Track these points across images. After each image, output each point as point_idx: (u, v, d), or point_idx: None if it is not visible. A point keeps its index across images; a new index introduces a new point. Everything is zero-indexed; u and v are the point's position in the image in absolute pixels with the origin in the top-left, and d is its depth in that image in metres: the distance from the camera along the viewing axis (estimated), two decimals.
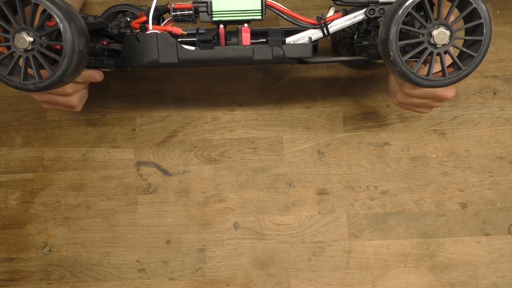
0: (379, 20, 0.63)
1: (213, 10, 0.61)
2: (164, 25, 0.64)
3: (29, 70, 0.55)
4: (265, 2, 0.61)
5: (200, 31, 0.65)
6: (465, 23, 0.55)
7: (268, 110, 0.81)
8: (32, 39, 0.53)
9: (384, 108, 0.81)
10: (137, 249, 0.77)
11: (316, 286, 0.75)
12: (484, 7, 0.52)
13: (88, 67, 0.65)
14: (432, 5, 0.55)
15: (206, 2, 0.61)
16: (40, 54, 0.54)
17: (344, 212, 0.77)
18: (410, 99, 0.66)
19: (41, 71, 0.55)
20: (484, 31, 0.53)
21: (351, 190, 0.78)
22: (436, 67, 0.56)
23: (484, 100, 0.81)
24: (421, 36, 0.54)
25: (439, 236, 0.76)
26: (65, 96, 0.66)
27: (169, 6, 0.62)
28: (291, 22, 0.64)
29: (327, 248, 0.76)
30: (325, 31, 0.64)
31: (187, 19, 0.62)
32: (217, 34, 0.63)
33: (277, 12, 0.63)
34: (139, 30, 0.62)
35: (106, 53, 0.66)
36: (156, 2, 0.61)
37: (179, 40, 0.63)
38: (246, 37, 0.63)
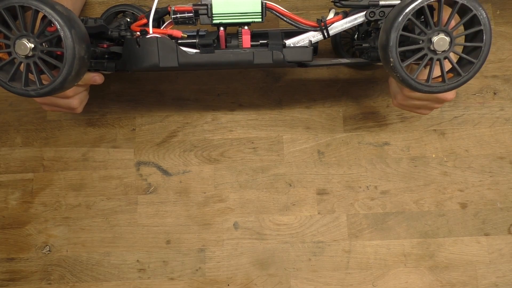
0: (379, 22, 0.63)
1: (213, 12, 0.61)
2: (164, 28, 0.64)
3: (30, 76, 0.55)
4: (265, 5, 0.61)
5: (200, 33, 0.65)
6: (465, 29, 0.55)
7: (268, 110, 0.81)
8: (33, 46, 0.53)
9: (384, 108, 0.81)
10: (137, 249, 0.77)
11: (316, 286, 0.75)
12: (484, 13, 0.52)
13: (88, 70, 0.65)
14: (432, 11, 0.55)
15: (206, 5, 0.61)
16: (41, 60, 0.54)
17: (344, 212, 0.77)
18: (410, 101, 0.66)
19: (42, 76, 0.55)
20: (484, 38, 0.53)
21: (351, 190, 0.78)
22: (436, 71, 0.56)
23: (484, 100, 0.81)
24: (421, 42, 0.54)
25: (439, 236, 0.76)
26: (65, 99, 0.66)
27: (169, 8, 0.62)
28: (291, 24, 0.64)
29: (327, 248, 0.76)
30: (325, 34, 0.64)
31: (187, 21, 0.62)
32: (217, 37, 0.63)
33: (277, 14, 0.63)
34: (139, 34, 0.62)
35: (106, 56, 0.66)
36: (156, 4, 0.61)
37: (179, 42, 0.63)
38: (246, 40, 0.63)
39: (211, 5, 0.61)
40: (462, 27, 0.55)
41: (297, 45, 0.64)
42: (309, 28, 0.64)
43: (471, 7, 0.52)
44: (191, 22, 0.62)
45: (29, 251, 0.77)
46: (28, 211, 0.78)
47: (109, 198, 0.78)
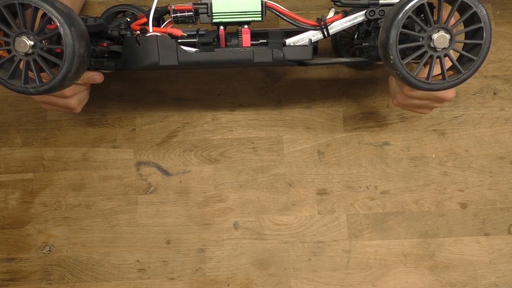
0: (379, 21, 0.63)
1: (213, 11, 0.61)
2: (164, 26, 0.64)
3: (30, 73, 0.55)
4: (265, 4, 0.61)
5: (200, 32, 0.65)
6: (465, 26, 0.55)
7: (268, 110, 0.81)
8: (32, 43, 0.53)
9: (384, 108, 0.81)
10: (137, 249, 0.77)
11: (316, 286, 0.75)
12: (484, 10, 0.52)
13: (88, 69, 0.65)
14: (432, 8, 0.55)
15: (206, 4, 0.61)
16: (41, 57, 0.54)
17: (344, 212, 0.77)
18: (410, 100, 0.66)
19: (41, 74, 0.55)
20: (484, 35, 0.53)
21: (351, 190, 0.78)
22: (436, 69, 0.56)
23: (484, 100, 0.81)
24: (421, 40, 0.54)
25: (439, 236, 0.76)
26: (64, 98, 0.66)
27: (169, 7, 0.62)
28: (291, 23, 0.64)
29: (327, 248, 0.76)
30: (325, 33, 0.64)
31: (187, 20, 0.62)
32: (217, 36, 0.63)
33: (277, 13, 0.63)
34: (139, 33, 0.62)
35: (106, 55, 0.66)
36: (156, 3, 0.61)
37: (179, 41, 0.63)
38: (246, 39, 0.63)
39: (211, 4, 0.61)
40: (462, 24, 0.55)
41: (297, 44, 0.64)
42: (309, 27, 0.64)
43: (471, 4, 0.52)
44: (191, 21, 0.62)
45: (29, 251, 0.77)
46: (28, 211, 0.78)
47: (109, 198, 0.78)
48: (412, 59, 0.55)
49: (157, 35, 0.60)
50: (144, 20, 0.63)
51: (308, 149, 0.80)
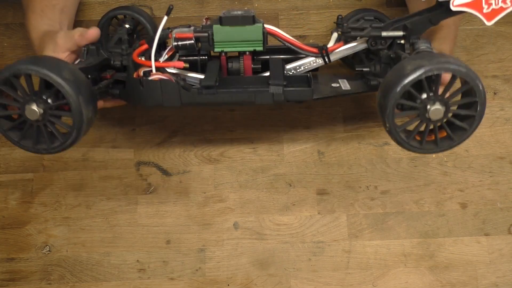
0: (380, 52, 0.64)
1: (214, 40, 0.61)
2: (164, 60, 0.63)
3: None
4: (267, 32, 0.61)
5: (201, 60, 0.65)
6: (461, 97, 0.56)
7: (268, 110, 0.81)
8: (42, 111, 0.54)
9: None
10: (137, 249, 0.77)
11: (316, 286, 0.75)
12: (480, 87, 0.53)
13: None
14: (429, 80, 0.55)
15: (207, 33, 0.61)
16: (50, 122, 0.55)
17: (344, 212, 0.77)
18: None
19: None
20: (478, 109, 0.54)
21: (351, 190, 0.78)
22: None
23: None
24: (417, 109, 0.55)
25: (439, 236, 0.76)
26: None
27: (170, 35, 0.62)
28: (292, 49, 0.64)
29: (327, 248, 0.76)
30: (327, 60, 0.64)
31: (188, 49, 0.62)
32: (219, 76, 0.63)
33: (279, 39, 0.63)
34: (142, 75, 0.61)
35: (110, 85, 0.65)
36: (158, 37, 0.61)
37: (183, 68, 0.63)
38: (247, 66, 0.63)
39: (212, 33, 0.61)
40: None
41: (297, 75, 0.65)
42: (310, 54, 0.64)
43: (468, 81, 0.52)
44: (192, 50, 0.62)
45: (29, 251, 0.77)
46: (28, 211, 0.78)
47: (109, 198, 0.78)
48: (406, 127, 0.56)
49: (160, 78, 0.60)
50: (145, 47, 0.62)
51: (308, 149, 0.80)
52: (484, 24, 0.58)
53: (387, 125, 0.54)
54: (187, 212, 0.78)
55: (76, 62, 0.65)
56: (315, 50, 0.64)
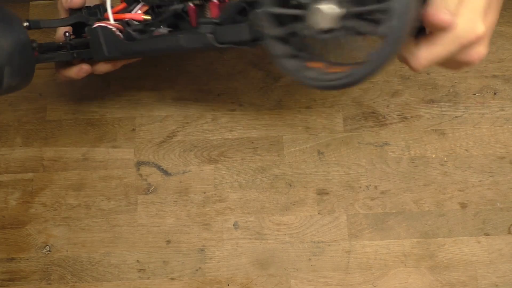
0: None
1: None
2: (138, 8, 0.62)
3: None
4: None
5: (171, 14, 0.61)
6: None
7: (268, 110, 0.81)
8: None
9: (384, 108, 0.81)
10: (137, 249, 0.77)
11: (316, 286, 0.75)
12: None
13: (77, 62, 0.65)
14: None
15: None
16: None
17: (344, 212, 0.77)
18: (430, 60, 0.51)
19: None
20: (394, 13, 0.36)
21: (351, 190, 0.78)
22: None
23: (484, 100, 0.81)
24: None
25: (439, 236, 0.76)
26: None
27: None
28: None
29: (327, 248, 0.76)
30: None
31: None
32: (183, 13, 0.59)
33: None
34: (99, 24, 0.60)
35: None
36: None
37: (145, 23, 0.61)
38: (192, 14, 0.59)
39: None
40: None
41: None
42: None
43: None
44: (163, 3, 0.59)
45: (29, 251, 0.77)
46: (28, 211, 0.78)
47: (109, 198, 0.78)
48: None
49: (100, 26, 0.60)
50: (123, 5, 0.61)
51: (308, 149, 0.80)
52: None
53: (270, 52, 0.42)
54: (187, 212, 0.78)
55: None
56: None
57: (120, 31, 0.62)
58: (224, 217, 0.78)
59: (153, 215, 0.78)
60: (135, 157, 0.80)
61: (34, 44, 0.60)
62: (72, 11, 0.64)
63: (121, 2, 0.63)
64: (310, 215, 0.77)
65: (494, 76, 0.82)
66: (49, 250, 0.77)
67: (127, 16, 0.61)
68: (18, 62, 0.51)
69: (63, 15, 0.66)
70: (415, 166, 0.79)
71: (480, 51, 0.49)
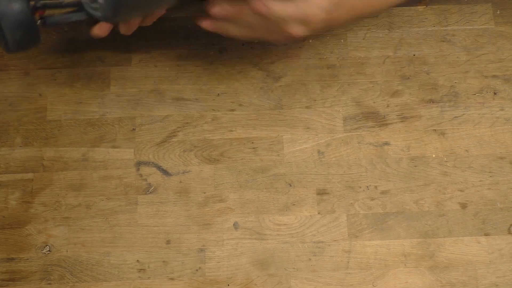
0: None
1: None
2: None
3: None
4: None
5: None
6: None
7: (268, 110, 0.81)
8: None
9: (384, 108, 0.81)
10: (137, 249, 0.77)
11: (316, 286, 0.75)
12: None
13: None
14: None
15: None
16: None
17: (344, 212, 0.77)
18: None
19: None
20: None
21: (351, 190, 0.78)
22: None
23: (484, 100, 0.81)
24: None
25: (439, 236, 0.76)
26: None
27: None
28: None
29: (327, 248, 0.76)
30: None
31: None
32: None
33: None
34: None
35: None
36: None
37: None
38: None
39: None
40: None
41: None
42: None
43: None
44: None
45: (29, 251, 0.77)
46: (28, 211, 0.78)
47: (109, 198, 0.78)
48: None
49: None
50: None
51: (308, 149, 0.80)
52: None
53: None
54: (187, 212, 0.78)
55: None
56: None
57: None
58: (224, 217, 0.78)
59: (153, 215, 0.78)
60: (135, 157, 0.80)
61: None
62: None
63: None
64: (310, 215, 0.77)
65: (494, 76, 0.82)
66: (49, 250, 0.77)
67: None
68: (11, 14, 0.48)
69: None
70: (415, 166, 0.79)
71: (294, 28, 0.54)
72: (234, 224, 0.77)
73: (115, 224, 0.78)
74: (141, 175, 0.79)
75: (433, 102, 0.81)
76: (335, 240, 0.76)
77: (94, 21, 0.63)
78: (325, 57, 0.84)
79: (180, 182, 0.79)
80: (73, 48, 0.85)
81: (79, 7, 0.60)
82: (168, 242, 0.77)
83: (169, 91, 0.82)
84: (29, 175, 0.80)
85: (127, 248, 0.77)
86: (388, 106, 0.81)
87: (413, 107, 0.81)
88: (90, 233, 0.78)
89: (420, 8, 0.86)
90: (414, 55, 0.84)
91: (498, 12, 0.84)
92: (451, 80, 0.82)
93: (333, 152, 0.79)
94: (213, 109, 0.81)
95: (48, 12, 0.59)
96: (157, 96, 0.82)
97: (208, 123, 0.81)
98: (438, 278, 0.75)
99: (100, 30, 0.63)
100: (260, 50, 0.84)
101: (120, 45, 0.84)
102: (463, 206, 0.77)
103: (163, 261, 0.76)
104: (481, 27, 0.83)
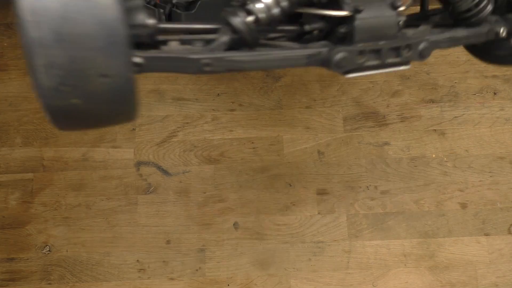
0: None
1: None
2: None
3: None
4: None
5: None
6: None
7: (268, 110, 0.81)
8: None
9: (384, 108, 0.81)
10: (137, 249, 0.77)
11: (316, 286, 0.75)
12: None
13: None
14: None
15: None
16: None
17: (344, 212, 0.77)
18: None
19: None
20: None
21: (351, 190, 0.78)
22: None
23: (484, 100, 0.81)
24: None
25: (439, 236, 0.76)
26: None
27: None
28: None
29: (327, 248, 0.76)
30: None
31: None
32: None
33: None
34: None
35: None
36: None
37: None
38: None
39: None
40: None
41: None
42: None
43: None
44: None
45: (29, 251, 0.77)
46: (28, 211, 0.78)
47: (109, 198, 0.78)
48: None
49: None
50: None
51: (308, 149, 0.80)
52: None
53: None
54: (187, 212, 0.78)
55: None
56: None
57: None
58: (224, 217, 0.78)
59: (153, 215, 0.78)
60: (135, 157, 0.80)
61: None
62: None
63: None
64: (310, 215, 0.77)
65: (494, 76, 0.82)
66: (49, 250, 0.77)
67: None
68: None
69: None
70: (415, 166, 0.79)
71: None
72: (234, 224, 0.77)
73: (115, 224, 0.78)
74: (141, 175, 0.79)
75: (433, 102, 0.81)
76: (335, 240, 0.76)
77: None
78: None
79: (180, 182, 0.79)
80: None
81: None
82: (168, 242, 0.77)
83: (169, 91, 0.82)
84: (29, 175, 0.80)
85: (127, 248, 0.77)
86: (388, 106, 0.81)
87: (413, 107, 0.81)
88: (90, 233, 0.78)
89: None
90: None
91: None
92: (451, 80, 0.82)
93: (333, 152, 0.79)
94: (213, 109, 0.81)
95: None
96: (157, 96, 0.82)
97: (208, 123, 0.81)
98: (438, 278, 0.75)
99: None
100: None
101: None
102: (463, 206, 0.77)
103: (163, 261, 0.76)
104: None
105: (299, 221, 0.77)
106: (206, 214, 0.78)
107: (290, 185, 0.78)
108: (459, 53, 0.83)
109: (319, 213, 0.77)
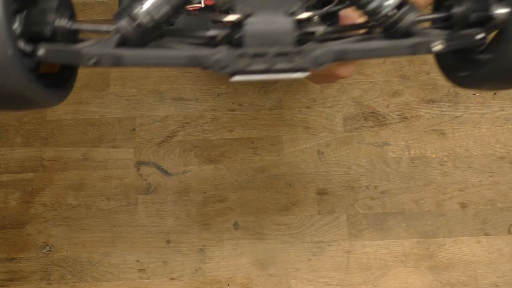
0: None
1: None
2: None
3: None
4: None
5: None
6: None
7: (268, 110, 0.81)
8: None
9: (384, 108, 0.81)
10: (137, 249, 0.77)
11: (316, 286, 0.75)
12: None
13: None
14: None
15: None
16: None
17: (344, 212, 0.77)
18: None
19: None
20: None
21: (351, 190, 0.78)
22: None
23: (484, 100, 0.81)
24: None
25: (439, 236, 0.76)
26: None
27: None
28: None
29: (327, 248, 0.76)
30: None
31: None
32: None
33: None
34: None
35: None
36: None
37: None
38: None
39: None
40: None
41: None
42: None
43: None
44: None
45: (29, 251, 0.77)
46: (28, 211, 0.78)
47: (109, 198, 0.78)
48: None
49: None
50: None
51: (308, 149, 0.80)
52: None
53: None
54: (187, 212, 0.78)
55: None
56: None
57: None
58: (224, 217, 0.78)
59: (153, 215, 0.78)
60: (135, 157, 0.80)
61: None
62: None
63: None
64: (310, 215, 0.77)
65: None
66: (49, 250, 0.77)
67: None
68: None
69: None
70: (415, 166, 0.79)
71: (345, 69, 0.49)
72: (234, 224, 0.77)
73: (115, 224, 0.78)
74: (141, 175, 0.79)
75: (433, 102, 0.81)
76: (335, 240, 0.76)
77: None
78: None
79: (180, 182, 0.79)
80: None
81: None
82: (168, 242, 0.77)
83: (169, 91, 0.82)
84: (29, 175, 0.80)
85: (127, 248, 0.77)
86: (388, 106, 0.81)
87: (413, 107, 0.81)
88: (90, 233, 0.78)
89: None
90: None
91: None
92: None
93: (333, 152, 0.79)
94: (213, 109, 0.81)
95: None
96: (157, 96, 0.82)
97: (208, 123, 0.81)
98: (438, 278, 0.75)
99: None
100: None
101: None
102: (463, 206, 0.77)
103: (163, 261, 0.76)
104: None
105: (299, 221, 0.77)
106: (206, 214, 0.78)
107: (290, 185, 0.78)
108: None
109: (319, 213, 0.77)
